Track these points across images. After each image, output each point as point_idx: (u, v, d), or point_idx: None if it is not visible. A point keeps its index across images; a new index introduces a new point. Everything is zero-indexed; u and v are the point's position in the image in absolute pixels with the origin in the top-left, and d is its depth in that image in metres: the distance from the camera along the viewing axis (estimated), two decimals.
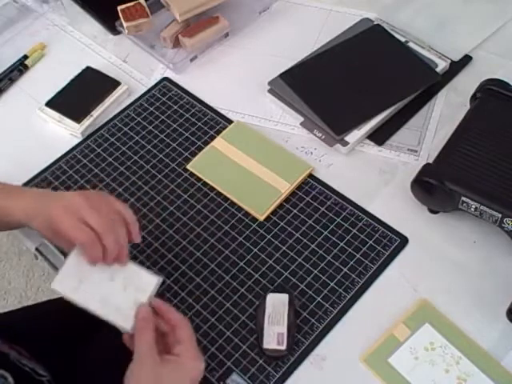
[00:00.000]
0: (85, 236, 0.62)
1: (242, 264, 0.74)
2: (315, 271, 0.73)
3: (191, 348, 0.61)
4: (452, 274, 0.72)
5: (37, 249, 0.78)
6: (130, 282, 0.63)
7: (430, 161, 0.76)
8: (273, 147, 0.83)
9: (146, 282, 0.64)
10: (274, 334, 0.67)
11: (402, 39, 0.93)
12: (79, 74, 0.93)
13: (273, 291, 0.70)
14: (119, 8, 0.96)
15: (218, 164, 0.82)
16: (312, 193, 0.80)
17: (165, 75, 0.95)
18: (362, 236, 0.75)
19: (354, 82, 0.88)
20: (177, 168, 0.83)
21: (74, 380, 0.82)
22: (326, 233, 0.76)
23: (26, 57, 0.98)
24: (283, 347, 0.66)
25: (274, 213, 0.78)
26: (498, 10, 0.99)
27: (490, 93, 0.80)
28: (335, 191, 0.80)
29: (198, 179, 0.82)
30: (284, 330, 0.67)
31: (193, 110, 0.90)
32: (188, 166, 0.82)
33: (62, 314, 0.96)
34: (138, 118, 0.89)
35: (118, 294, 0.63)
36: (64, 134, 0.89)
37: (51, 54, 1.00)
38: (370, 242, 0.75)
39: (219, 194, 0.80)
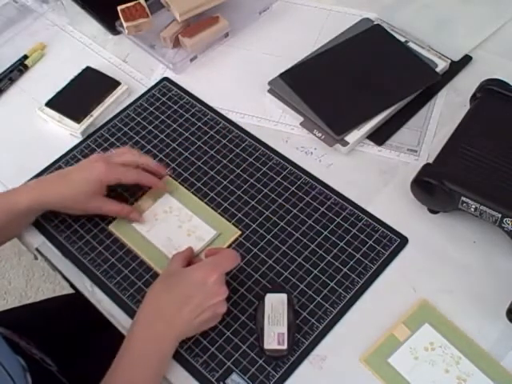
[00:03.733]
0: (135, 175, 0.76)
1: (241, 264, 0.74)
2: (315, 271, 0.73)
3: (207, 261, 0.67)
4: (452, 273, 0.72)
5: (37, 249, 0.78)
6: (193, 230, 0.76)
7: (430, 161, 0.76)
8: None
9: (206, 233, 0.75)
10: (275, 334, 0.67)
11: (402, 39, 0.93)
12: (79, 74, 0.93)
13: (271, 291, 0.70)
14: (119, 8, 0.96)
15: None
16: (312, 193, 0.80)
17: (165, 75, 0.95)
18: (361, 236, 0.75)
19: (353, 82, 0.88)
20: (177, 168, 0.83)
21: (75, 376, 0.83)
22: (325, 233, 0.76)
23: (26, 57, 0.98)
24: (284, 347, 0.66)
25: (273, 213, 0.78)
26: (497, 10, 0.99)
27: (490, 93, 0.80)
28: (335, 191, 0.80)
29: (198, 179, 0.82)
30: (284, 329, 0.67)
31: (193, 110, 0.90)
32: (110, 227, 0.78)
33: (63, 313, 0.97)
34: (138, 118, 0.89)
35: (181, 238, 0.76)
36: (64, 133, 0.89)
37: (51, 53, 1.00)
38: (370, 241, 0.75)
39: (218, 194, 0.80)
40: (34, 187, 0.75)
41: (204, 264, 0.67)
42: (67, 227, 0.79)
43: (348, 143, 0.82)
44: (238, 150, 0.85)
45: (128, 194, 0.81)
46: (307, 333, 0.68)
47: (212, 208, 0.79)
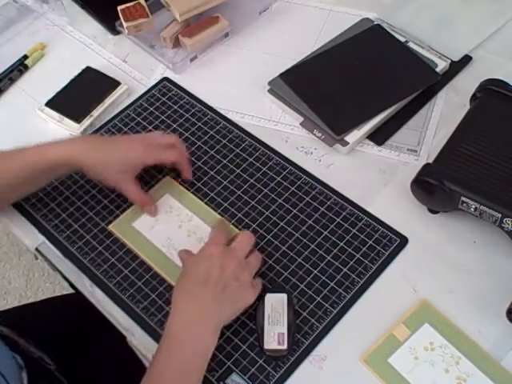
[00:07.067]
0: (176, 155, 0.78)
1: None
2: (315, 271, 0.73)
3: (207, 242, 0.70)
4: (452, 273, 0.72)
5: (37, 249, 0.78)
6: (194, 231, 0.76)
7: (430, 161, 0.76)
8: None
9: (206, 234, 0.74)
10: (275, 334, 0.67)
11: (402, 39, 0.93)
12: (79, 74, 0.93)
13: (271, 291, 0.70)
14: (119, 8, 0.96)
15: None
16: (312, 193, 0.80)
17: (165, 75, 0.95)
18: (361, 236, 0.75)
19: (353, 82, 0.88)
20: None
21: (74, 375, 0.83)
22: (325, 233, 0.76)
23: (26, 57, 0.98)
24: (284, 347, 0.66)
25: (273, 213, 0.78)
26: (497, 10, 0.99)
27: (490, 93, 0.80)
28: (335, 191, 0.80)
29: (198, 179, 0.82)
30: (284, 330, 0.67)
31: (193, 110, 0.90)
32: (110, 227, 0.78)
33: (63, 312, 0.97)
34: (138, 118, 0.89)
35: (181, 238, 0.76)
36: (64, 134, 0.88)
37: (51, 54, 1.00)
38: (370, 241, 0.75)
39: (218, 194, 0.80)
40: (69, 143, 0.75)
41: (204, 245, 0.69)
42: (67, 227, 0.79)
43: (348, 143, 0.82)
44: (238, 150, 0.85)
45: None
46: (307, 333, 0.68)
47: (212, 208, 0.79)
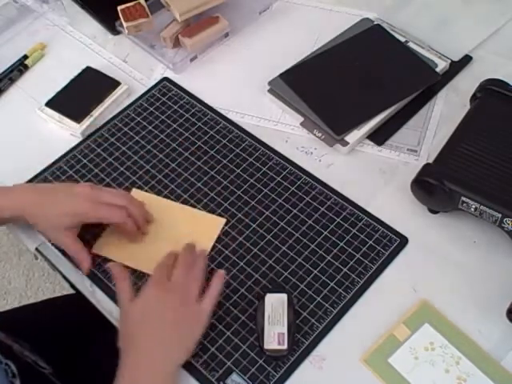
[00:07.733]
0: (119, 214, 0.72)
1: (241, 264, 0.74)
2: (315, 271, 0.73)
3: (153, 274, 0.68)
4: (452, 273, 0.72)
5: (37, 249, 0.78)
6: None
7: (430, 161, 0.76)
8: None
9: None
10: (275, 334, 0.67)
11: (402, 39, 0.93)
12: (79, 74, 0.93)
13: (271, 291, 0.70)
14: (119, 8, 0.96)
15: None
16: (312, 193, 0.80)
17: (165, 75, 0.95)
18: (361, 236, 0.75)
19: (353, 82, 0.88)
20: (177, 168, 0.83)
21: (74, 376, 0.83)
22: (325, 233, 0.76)
23: (26, 57, 0.98)
24: (284, 347, 0.66)
25: (273, 213, 0.78)
26: (498, 10, 0.99)
27: (490, 93, 0.80)
28: (335, 191, 0.80)
29: (199, 179, 0.82)
30: (284, 329, 0.67)
31: (193, 110, 0.90)
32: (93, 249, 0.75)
33: (63, 313, 0.97)
34: (138, 118, 0.89)
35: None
36: (64, 134, 0.89)
37: (51, 54, 1.00)
38: (370, 241, 0.75)
39: (218, 194, 0.80)
40: (22, 199, 0.74)
41: (145, 287, 0.68)
42: None
43: (348, 143, 0.82)
44: (238, 150, 0.85)
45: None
46: (307, 333, 0.68)
47: (189, 203, 0.77)
